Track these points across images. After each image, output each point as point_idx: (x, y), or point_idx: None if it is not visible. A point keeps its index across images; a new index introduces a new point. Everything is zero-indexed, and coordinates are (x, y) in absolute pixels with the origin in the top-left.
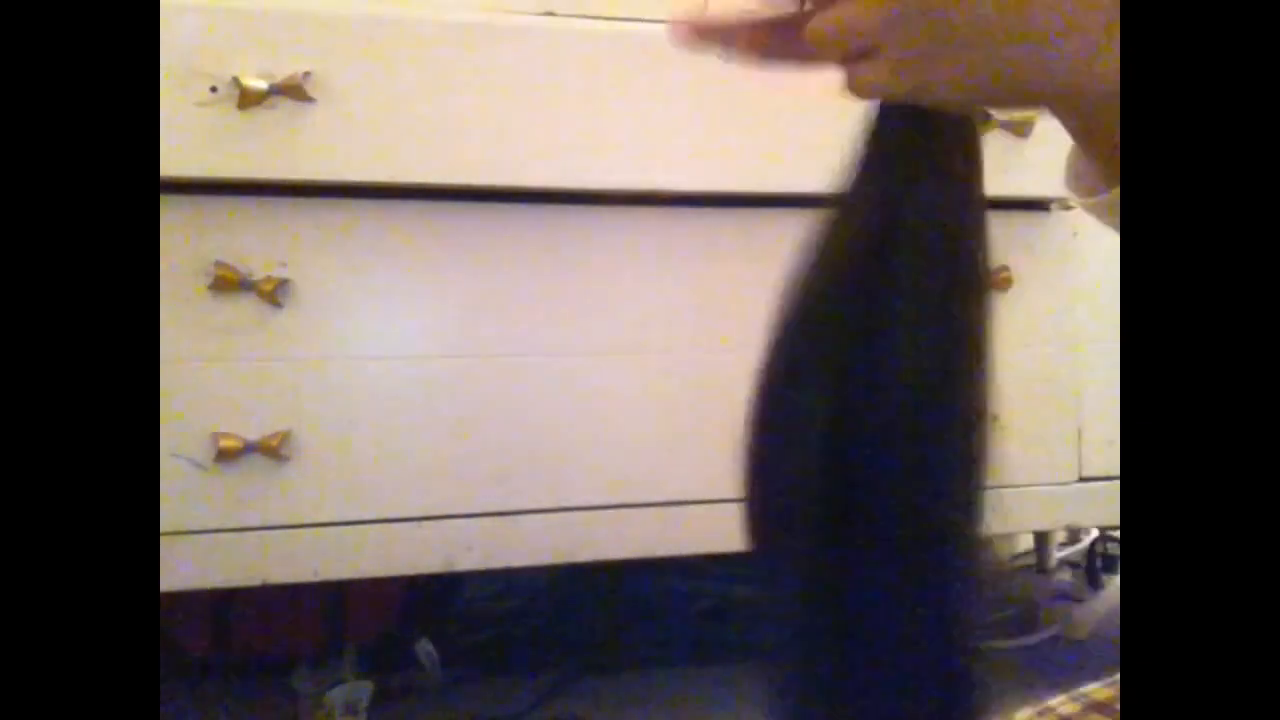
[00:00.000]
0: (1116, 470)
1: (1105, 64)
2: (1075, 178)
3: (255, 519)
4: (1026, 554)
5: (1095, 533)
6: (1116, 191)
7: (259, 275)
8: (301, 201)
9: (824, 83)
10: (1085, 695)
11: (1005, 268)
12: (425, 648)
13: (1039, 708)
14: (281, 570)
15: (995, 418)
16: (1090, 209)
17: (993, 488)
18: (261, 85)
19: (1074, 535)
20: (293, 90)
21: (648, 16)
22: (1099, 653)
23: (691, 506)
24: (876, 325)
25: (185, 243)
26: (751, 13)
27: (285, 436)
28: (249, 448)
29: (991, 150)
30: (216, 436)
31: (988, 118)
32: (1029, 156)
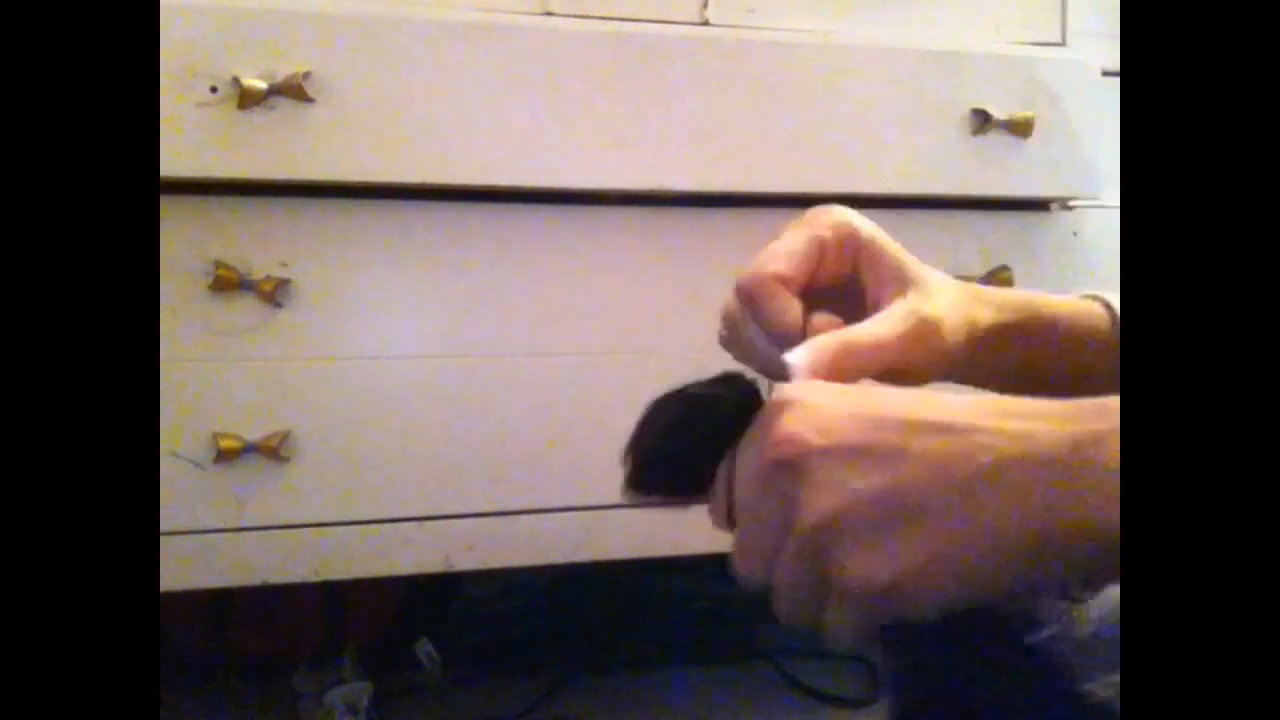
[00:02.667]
0: None
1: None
2: None
3: (255, 519)
4: None
5: None
6: None
7: (259, 275)
8: (301, 201)
9: (822, 82)
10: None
11: (1005, 268)
12: (425, 648)
13: None
14: (281, 570)
15: None
16: None
17: None
18: (261, 85)
19: None
20: (293, 90)
21: (648, 16)
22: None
23: (691, 507)
24: None
25: (185, 243)
26: None
27: (285, 436)
28: (249, 448)
29: (992, 150)
30: (216, 436)
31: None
32: (1029, 156)
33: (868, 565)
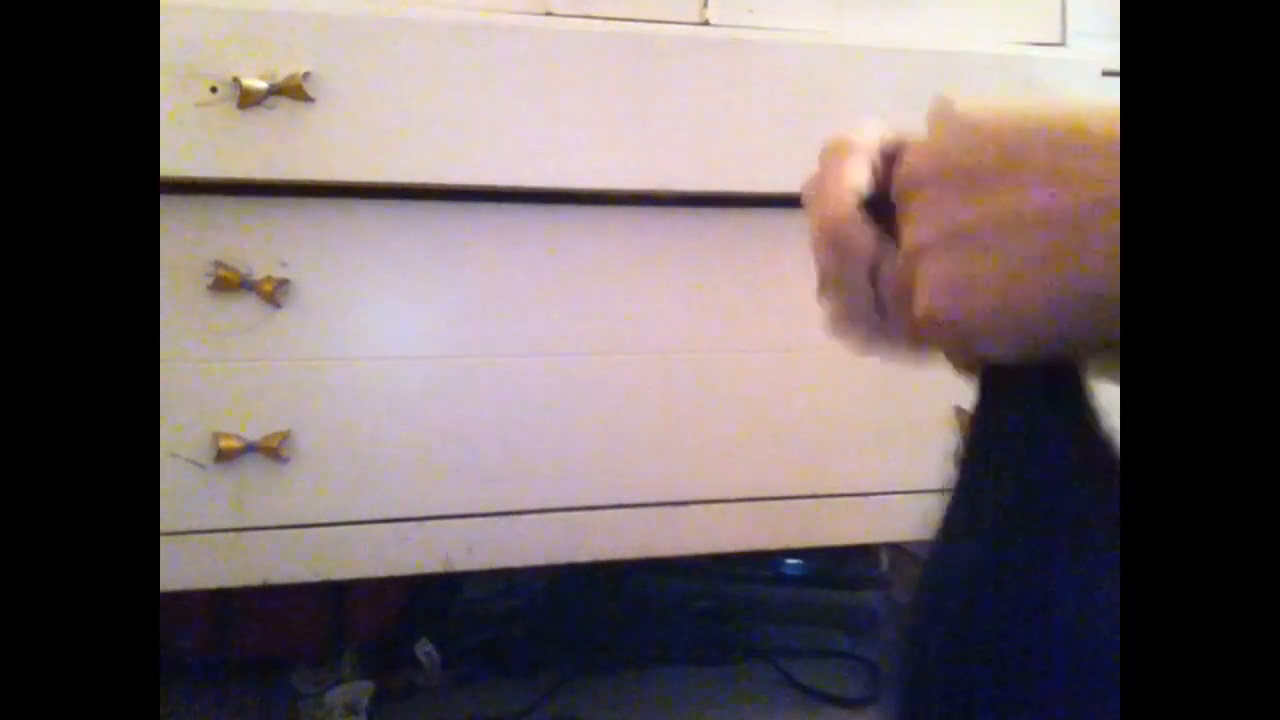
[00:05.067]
0: None
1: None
2: None
3: (255, 519)
4: None
5: None
6: None
7: (259, 275)
8: (301, 201)
9: (822, 82)
10: None
11: None
12: (425, 648)
13: None
14: (281, 570)
15: None
16: None
17: None
18: (261, 85)
19: None
20: (293, 90)
21: (648, 16)
22: None
23: (691, 506)
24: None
25: (185, 243)
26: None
27: (285, 436)
28: (249, 448)
29: None
30: (216, 436)
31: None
32: None
33: (935, 295)
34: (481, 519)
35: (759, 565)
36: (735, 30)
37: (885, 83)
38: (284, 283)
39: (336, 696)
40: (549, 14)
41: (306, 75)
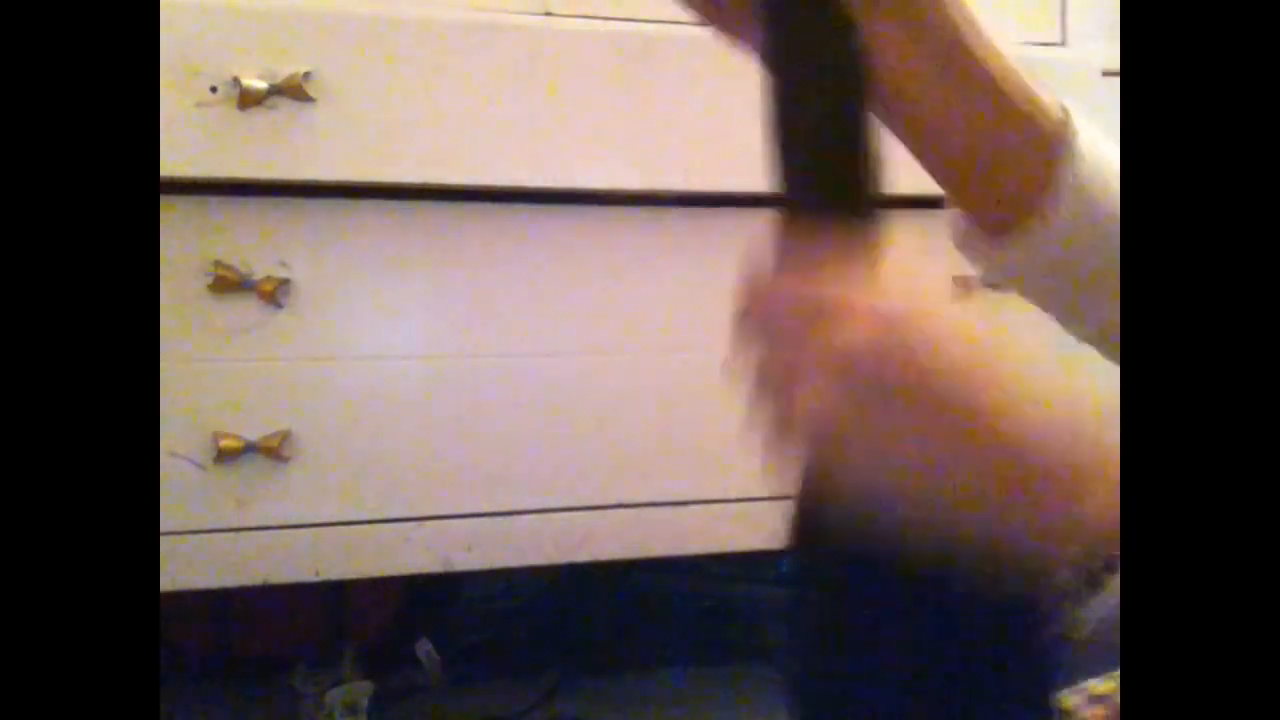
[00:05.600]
0: None
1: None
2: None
3: (255, 519)
4: None
5: None
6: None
7: (259, 275)
8: (301, 201)
9: None
10: (1085, 690)
11: None
12: (425, 648)
13: None
14: (281, 570)
15: None
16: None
17: None
18: (261, 85)
19: None
20: (293, 90)
21: (648, 16)
22: (1098, 652)
23: (691, 506)
24: None
25: (185, 243)
26: None
27: (285, 436)
28: (249, 448)
29: None
30: (216, 436)
31: None
32: None
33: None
34: (481, 519)
35: (759, 565)
36: None
37: None
38: (284, 283)
39: (336, 696)
40: (548, 14)
41: (306, 75)
